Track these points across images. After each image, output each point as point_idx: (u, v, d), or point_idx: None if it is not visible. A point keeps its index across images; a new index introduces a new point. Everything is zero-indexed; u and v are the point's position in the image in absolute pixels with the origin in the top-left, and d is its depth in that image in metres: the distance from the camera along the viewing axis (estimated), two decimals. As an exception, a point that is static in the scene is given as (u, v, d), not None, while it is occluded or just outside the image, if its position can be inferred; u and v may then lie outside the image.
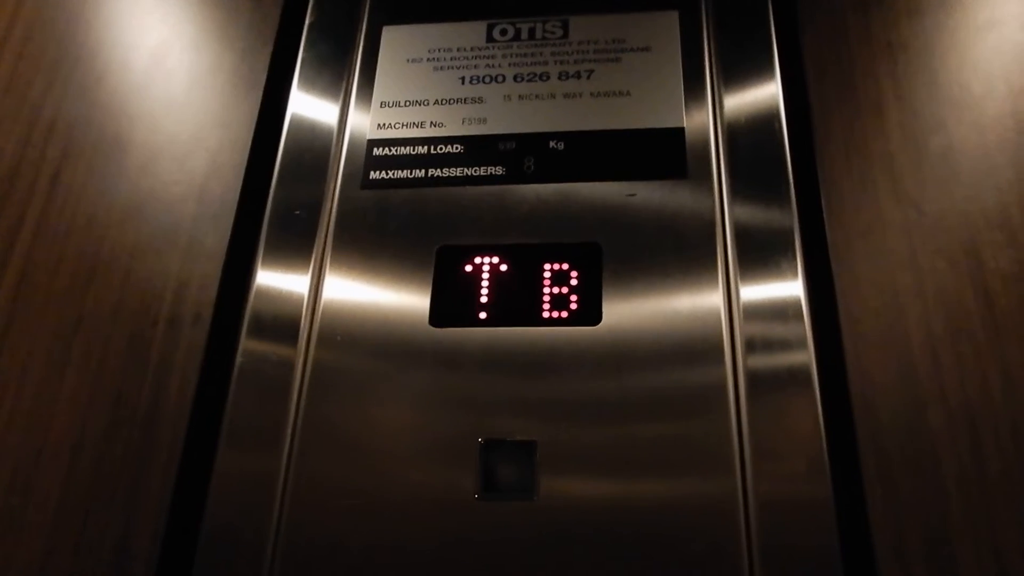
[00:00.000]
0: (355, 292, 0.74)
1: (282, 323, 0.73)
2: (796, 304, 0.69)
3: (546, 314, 0.71)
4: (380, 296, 0.73)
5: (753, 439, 0.64)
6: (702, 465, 0.64)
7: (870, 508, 0.61)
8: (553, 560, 0.62)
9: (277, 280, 0.75)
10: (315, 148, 0.81)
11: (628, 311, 0.70)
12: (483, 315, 0.71)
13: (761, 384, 0.66)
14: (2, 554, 0.65)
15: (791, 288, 0.69)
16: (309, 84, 0.85)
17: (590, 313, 0.70)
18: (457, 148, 0.79)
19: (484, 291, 0.72)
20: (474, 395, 0.68)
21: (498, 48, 0.84)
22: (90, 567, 0.65)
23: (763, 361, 0.67)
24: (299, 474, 0.67)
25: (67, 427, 0.70)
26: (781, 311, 0.69)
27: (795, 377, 0.66)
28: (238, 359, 0.72)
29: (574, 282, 0.72)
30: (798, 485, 0.63)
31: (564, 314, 0.71)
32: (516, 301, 0.72)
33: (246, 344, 0.72)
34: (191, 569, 0.65)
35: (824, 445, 0.63)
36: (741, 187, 0.74)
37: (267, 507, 0.66)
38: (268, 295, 0.74)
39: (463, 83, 0.83)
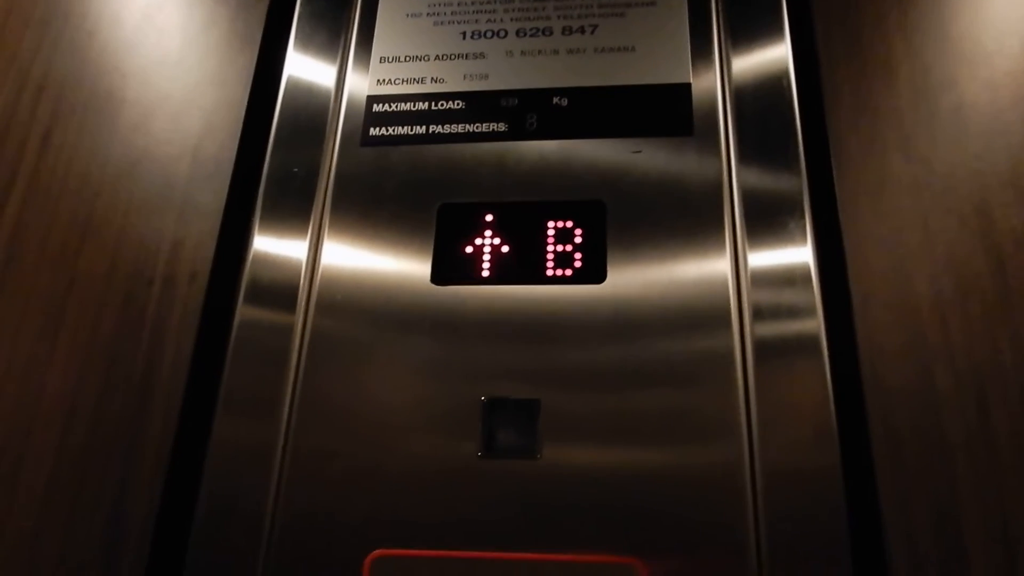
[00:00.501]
0: (355, 252, 0.72)
1: (280, 286, 0.71)
2: (804, 268, 0.67)
3: (550, 272, 0.69)
4: (381, 255, 0.72)
5: (760, 406, 0.63)
6: (708, 431, 0.63)
7: (878, 474, 0.60)
8: (555, 520, 0.62)
9: (275, 240, 0.73)
10: (313, 105, 0.79)
11: (633, 270, 0.69)
12: (486, 273, 0.70)
13: (769, 349, 0.65)
14: (-2, 516, 0.64)
15: (800, 250, 0.68)
16: (306, 40, 0.83)
17: (594, 271, 0.69)
18: (458, 104, 0.78)
19: (487, 249, 0.71)
20: (477, 353, 0.67)
21: (500, 2, 0.82)
22: (85, 532, 0.64)
23: (771, 327, 0.66)
24: (298, 440, 0.66)
25: (61, 391, 0.68)
26: (789, 273, 0.67)
27: (803, 343, 0.65)
28: (235, 322, 0.70)
29: (578, 240, 0.70)
30: (806, 453, 0.61)
31: (568, 272, 0.69)
32: (519, 259, 0.70)
33: (243, 306, 0.71)
34: (188, 537, 0.64)
35: (832, 411, 0.62)
36: (749, 145, 0.73)
37: (265, 477, 0.65)
38: (265, 256, 0.73)
39: (464, 38, 0.81)
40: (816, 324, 0.65)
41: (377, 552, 0.61)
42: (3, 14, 0.84)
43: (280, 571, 0.62)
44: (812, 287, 0.66)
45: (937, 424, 0.61)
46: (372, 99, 0.79)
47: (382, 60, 0.81)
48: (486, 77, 0.79)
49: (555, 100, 0.77)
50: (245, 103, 0.79)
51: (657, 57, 0.77)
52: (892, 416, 0.61)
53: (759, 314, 0.66)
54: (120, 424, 0.67)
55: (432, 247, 0.72)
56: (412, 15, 0.82)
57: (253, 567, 0.62)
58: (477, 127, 0.76)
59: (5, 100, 0.80)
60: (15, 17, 0.84)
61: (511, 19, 0.81)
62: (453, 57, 0.80)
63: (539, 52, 0.79)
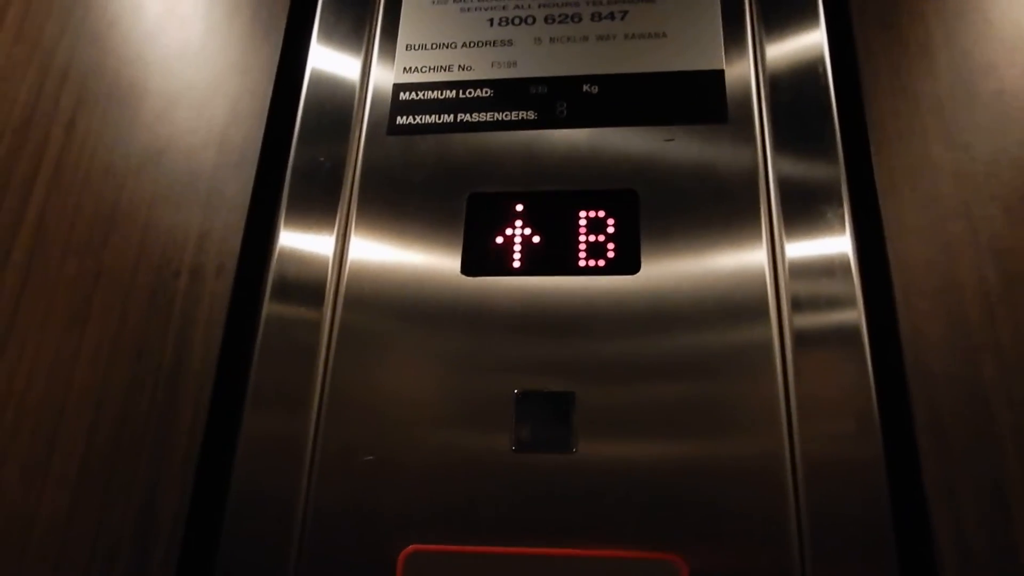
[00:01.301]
0: (383, 243, 0.71)
1: (308, 278, 0.70)
2: (844, 257, 0.66)
3: (582, 263, 0.68)
4: (409, 246, 0.70)
5: (800, 398, 0.62)
6: (747, 425, 0.61)
7: (923, 465, 0.59)
8: (592, 515, 0.60)
9: (302, 232, 0.72)
10: (339, 94, 0.78)
11: (668, 260, 0.67)
12: (517, 264, 0.69)
13: (808, 340, 0.64)
14: (28, 507, 0.63)
15: (838, 239, 0.66)
16: (331, 28, 0.81)
17: (628, 262, 0.68)
18: (486, 92, 0.76)
19: (517, 240, 0.70)
20: (508, 345, 0.66)
21: (527, -12, 0.81)
22: (117, 521, 0.63)
23: (810, 318, 0.64)
24: (328, 435, 0.65)
25: (89, 382, 0.68)
26: (828, 262, 0.66)
27: (844, 333, 0.63)
28: (263, 315, 0.69)
29: (611, 230, 0.69)
30: (848, 445, 0.60)
31: (601, 263, 0.68)
32: (551, 249, 0.69)
33: (271, 299, 0.70)
34: (220, 530, 0.63)
35: (874, 403, 0.61)
36: (784, 133, 0.71)
37: (296, 471, 0.64)
38: (292, 248, 0.72)
39: (491, 25, 0.79)
40: (856, 314, 0.64)
41: (412, 547, 0.60)
42: (25, 3, 0.83)
43: (313, 565, 0.61)
44: (852, 277, 0.65)
45: (984, 415, 0.59)
46: (398, 87, 0.78)
47: (408, 48, 0.79)
48: (514, 64, 0.77)
49: (585, 87, 0.75)
50: (270, 92, 0.78)
51: (689, 43, 0.76)
52: (937, 407, 0.60)
53: (797, 305, 0.65)
54: (149, 416, 0.66)
55: (461, 238, 0.70)
56: (438, 2, 0.81)
57: (285, 561, 0.62)
58: (506, 115, 0.75)
59: (28, 89, 0.79)
60: (37, 6, 0.83)
61: (539, 5, 0.80)
62: (480, 44, 0.79)
63: (568, 39, 0.78)
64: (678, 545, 0.59)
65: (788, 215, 0.68)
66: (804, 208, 0.68)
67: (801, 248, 0.67)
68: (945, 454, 0.59)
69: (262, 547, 0.62)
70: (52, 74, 0.80)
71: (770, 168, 0.70)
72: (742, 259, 0.67)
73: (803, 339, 0.64)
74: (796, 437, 0.61)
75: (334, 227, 0.72)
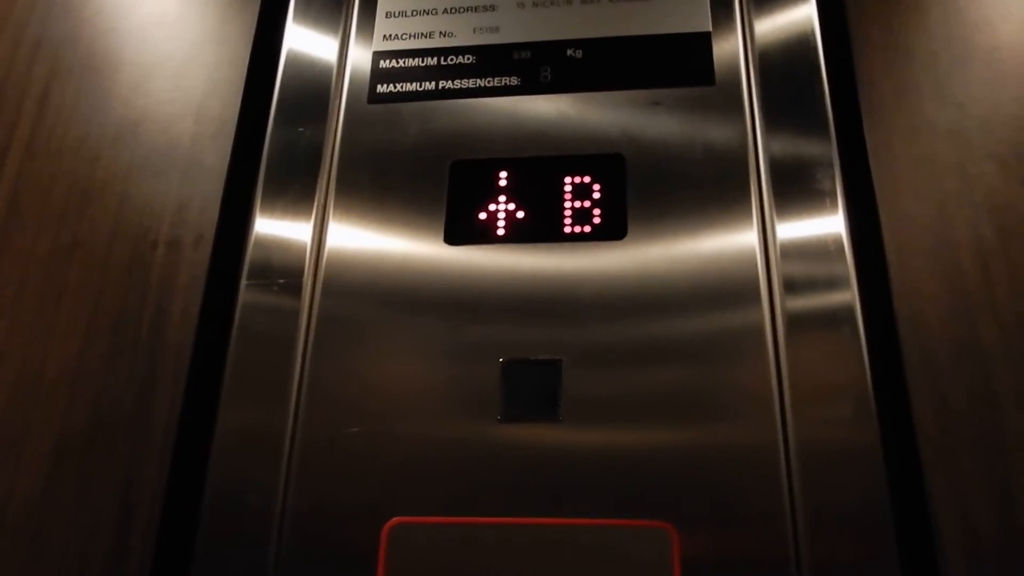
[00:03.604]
0: (365, 213, 0.69)
1: (287, 248, 0.69)
2: (836, 223, 0.64)
3: (568, 229, 0.66)
4: (392, 215, 0.69)
5: (793, 383, 0.59)
6: (737, 407, 0.59)
7: (919, 438, 0.57)
8: (580, 486, 0.59)
9: (282, 202, 0.70)
10: (317, 63, 0.76)
11: (655, 226, 0.66)
12: (501, 231, 0.67)
13: (800, 319, 0.62)
14: (4, 485, 0.62)
15: (830, 205, 0.64)
16: (309, -4, 0.80)
17: (614, 227, 0.66)
18: (469, 59, 0.74)
19: (502, 207, 0.68)
20: (494, 314, 0.64)
21: (509, -48, 0.79)
22: (96, 499, 0.62)
23: (800, 272, 0.63)
24: (310, 411, 0.63)
25: (65, 357, 0.66)
26: (818, 215, 0.64)
27: (835, 298, 0.61)
28: (242, 283, 0.68)
29: (596, 195, 0.67)
30: (843, 429, 0.58)
31: (587, 228, 0.66)
32: (536, 217, 0.67)
33: (249, 268, 0.68)
34: (200, 506, 0.61)
35: (870, 384, 0.58)
36: (773, 94, 0.70)
37: (278, 446, 0.62)
38: (272, 215, 0.70)
39: (473, -10, 0.78)
40: (848, 276, 0.62)
41: (395, 520, 0.59)
42: (-4, -26, 0.81)
43: (295, 544, 0.60)
44: (841, 235, 0.63)
45: (983, 374, 0.57)
46: (378, 55, 0.76)
47: (388, 15, 0.78)
48: (497, 30, 0.75)
49: (569, 52, 0.74)
50: (247, 60, 0.76)
51: (674, 6, 0.74)
52: (936, 373, 0.58)
53: (789, 268, 0.63)
54: (128, 389, 0.64)
55: (444, 207, 0.69)
56: (418, -33, 0.79)
57: (267, 540, 0.60)
58: (489, 81, 0.73)
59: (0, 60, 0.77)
60: (8, -23, 0.81)
61: (522, -31, 0.78)
62: (462, 10, 0.77)
63: (551, 3, 0.76)
64: (667, 518, 0.57)
65: (776, 174, 0.66)
66: (793, 168, 0.67)
67: (788, 207, 0.65)
68: (945, 420, 0.57)
69: (243, 526, 0.61)
70: (24, 46, 0.78)
71: (758, 128, 0.68)
72: (731, 220, 0.65)
73: (795, 319, 0.61)
74: (789, 422, 0.58)
75: (314, 198, 0.70)
